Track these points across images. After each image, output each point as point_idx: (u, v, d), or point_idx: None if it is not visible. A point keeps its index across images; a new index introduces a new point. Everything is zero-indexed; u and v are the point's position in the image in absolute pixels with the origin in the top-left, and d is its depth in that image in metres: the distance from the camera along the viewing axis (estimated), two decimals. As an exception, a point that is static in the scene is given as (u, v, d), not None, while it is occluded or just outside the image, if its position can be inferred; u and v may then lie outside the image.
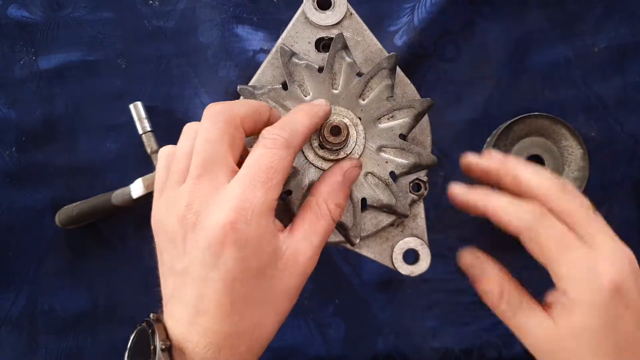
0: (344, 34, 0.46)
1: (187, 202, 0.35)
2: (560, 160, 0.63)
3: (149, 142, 0.61)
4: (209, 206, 0.34)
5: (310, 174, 0.43)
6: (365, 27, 0.47)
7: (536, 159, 0.63)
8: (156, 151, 0.61)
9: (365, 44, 0.47)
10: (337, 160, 0.43)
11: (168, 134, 0.63)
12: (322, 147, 0.43)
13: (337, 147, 0.42)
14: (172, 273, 0.36)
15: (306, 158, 0.43)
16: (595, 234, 0.38)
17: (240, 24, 0.65)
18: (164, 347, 0.34)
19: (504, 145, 0.62)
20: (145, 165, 0.62)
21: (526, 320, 0.39)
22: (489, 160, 0.42)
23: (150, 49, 0.65)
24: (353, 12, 0.47)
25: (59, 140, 0.64)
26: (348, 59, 0.44)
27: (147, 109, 0.62)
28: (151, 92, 0.64)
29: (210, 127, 0.36)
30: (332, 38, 0.45)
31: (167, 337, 0.35)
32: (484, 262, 0.42)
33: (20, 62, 0.64)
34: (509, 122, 0.61)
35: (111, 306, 0.63)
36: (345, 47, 0.45)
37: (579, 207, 0.39)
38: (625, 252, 0.38)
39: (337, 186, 0.39)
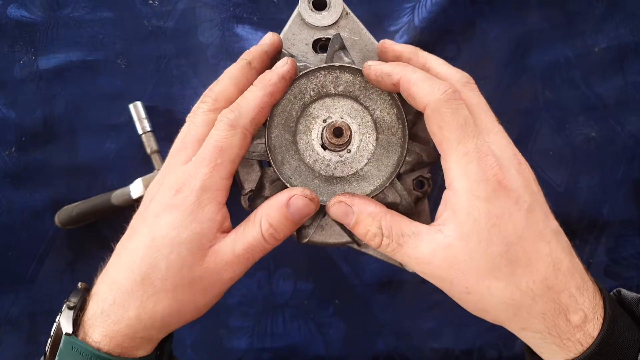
0: (341, 34, 0.46)
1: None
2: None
3: (149, 142, 0.61)
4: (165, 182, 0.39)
5: None
6: (362, 26, 0.47)
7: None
8: (156, 151, 0.61)
9: (362, 43, 0.47)
10: None
11: (168, 134, 0.63)
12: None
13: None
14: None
15: None
16: (489, 131, 0.38)
17: (240, 24, 0.65)
18: (72, 304, 0.38)
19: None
20: (145, 165, 0.62)
21: (414, 246, 0.37)
22: (404, 46, 0.43)
23: (150, 49, 0.65)
24: (349, 11, 0.47)
25: (59, 140, 0.64)
26: (346, 59, 0.44)
27: (147, 109, 0.62)
28: (151, 92, 0.64)
29: (223, 139, 0.38)
30: (330, 39, 0.45)
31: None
32: (355, 203, 0.39)
33: (20, 62, 0.64)
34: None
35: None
36: (343, 48, 0.45)
37: (480, 100, 0.39)
38: (517, 156, 0.38)
39: (278, 206, 0.39)
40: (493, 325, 0.63)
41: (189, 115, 0.42)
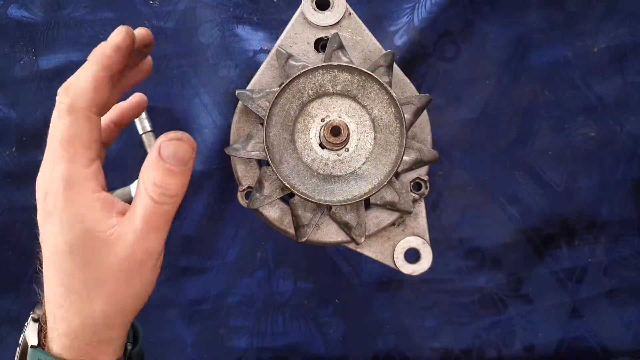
0: (343, 34, 0.46)
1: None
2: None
3: (149, 142, 0.61)
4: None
5: None
6: (364, 26, 0.47)
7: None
8: (156, 151, 0.61)
9: (364, 43, 0.47)
10: None
11: (168, 133, 0.63)
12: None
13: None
14: None
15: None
16: None
17: (240, 24, 0.65)
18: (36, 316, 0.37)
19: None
20: (145, 165, 0.62)
21: None
22: None
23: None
24: (352, 12, 0.47)
25: (59, 140, 0.64)
26: (344, 59, 0.44)
27: (147, 109, 0.62)
28: (151, 92, 0.64)
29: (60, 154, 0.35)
30: None
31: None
32: None
33: (20, 62, 0.64)
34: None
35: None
36: (341, 47, 0.45)
37: None
38: None
39: (152, 163, 0.34)
40: (492, 325, 0.63)
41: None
